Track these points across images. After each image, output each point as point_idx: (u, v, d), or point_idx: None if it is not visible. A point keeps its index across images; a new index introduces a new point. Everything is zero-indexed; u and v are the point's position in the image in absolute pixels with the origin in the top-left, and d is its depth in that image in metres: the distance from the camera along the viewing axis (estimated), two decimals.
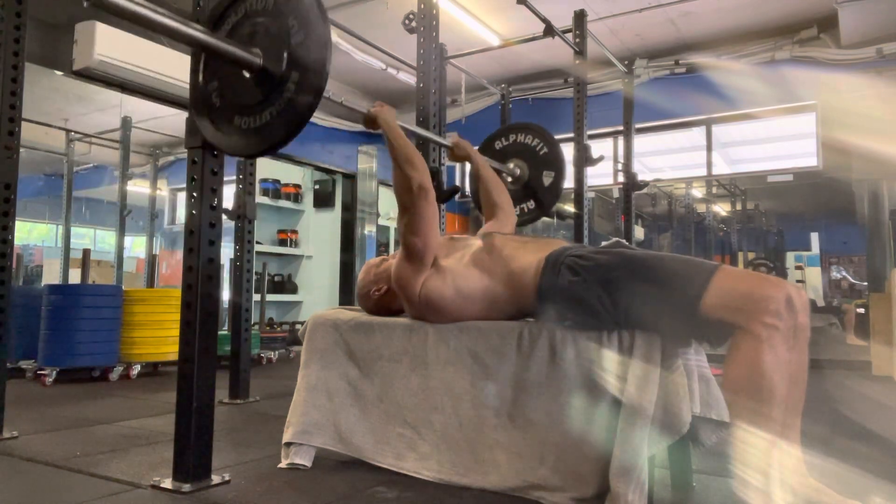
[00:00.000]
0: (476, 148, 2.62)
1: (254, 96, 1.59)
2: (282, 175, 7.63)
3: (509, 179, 3.18)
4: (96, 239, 11.54)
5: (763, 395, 1.33)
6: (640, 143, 5.21)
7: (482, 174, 2.47)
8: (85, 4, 1.29)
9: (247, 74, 1.60)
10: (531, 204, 3.14)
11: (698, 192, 10.40)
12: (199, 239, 1.83)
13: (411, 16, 2.86)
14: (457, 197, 2.85)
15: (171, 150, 7.85)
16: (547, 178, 2.91)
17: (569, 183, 3.87)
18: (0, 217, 2.39)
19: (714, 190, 10.48)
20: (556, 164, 2.89)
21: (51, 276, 7.22)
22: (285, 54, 1.54)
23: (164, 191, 8.55)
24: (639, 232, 10.75)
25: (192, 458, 1.76)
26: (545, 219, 10.10)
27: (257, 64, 1.56)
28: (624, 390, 1.55)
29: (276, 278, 7.50)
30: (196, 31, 1.54)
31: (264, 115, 1.58)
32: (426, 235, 1.82)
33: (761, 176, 8.08)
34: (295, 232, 7.79)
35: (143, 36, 4.58)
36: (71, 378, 4.14)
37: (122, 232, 6.43)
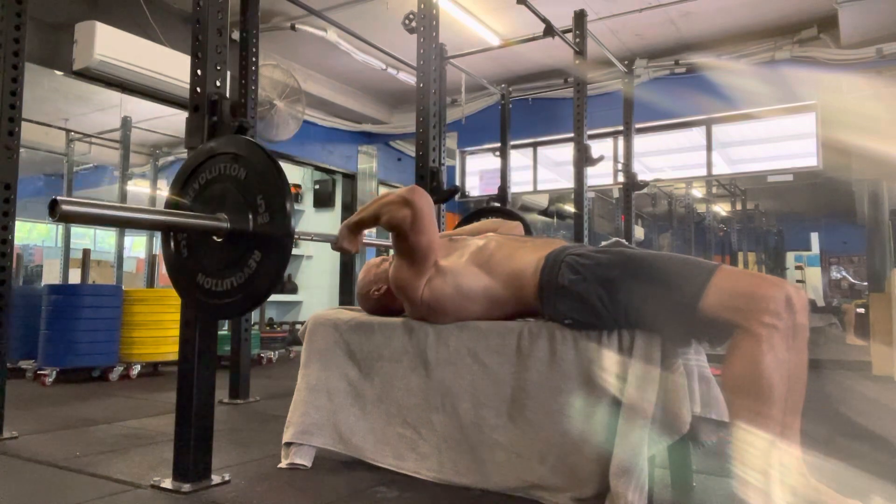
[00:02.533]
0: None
1: (222, 260, 1.64)
2: None
3: None
4: (96, 239, 11.53)
5: (763, 395, 1.33)
6: (640, 143, 5.22)
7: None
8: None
9: (216, 239, 1.64)
10: None
11: (698, 192, 10.40)
12: None
13: (411, 16, 2.86)
14: (457, 197, 2.86)
15: (171, 150, 7.84)
16: None
17: (569, 183, 3.88)
18: (0, 217, 2.39)
19: (714, 190, 10.48)
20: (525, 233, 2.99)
21: (51, 276, 7.21)
22: (251, 224, 1.59)
23: (163, 191, 8.54)
24: (639, 232, 10.75)
25: (192, 458, 1.76)
26: (545, 219, 10.12)
27: (225, 229, 1.61)
28: (624, 390, 1.55)
29: None
30: (162, 216, 1.62)
31: (230, 280, 1.62)
32: (429, 233, 1.79)
33: (761, 176, 8.07)
34: None
35: (143, 36, 4.58)
36: (71, 378, 4.14)
37: (122, 232, 6.43)
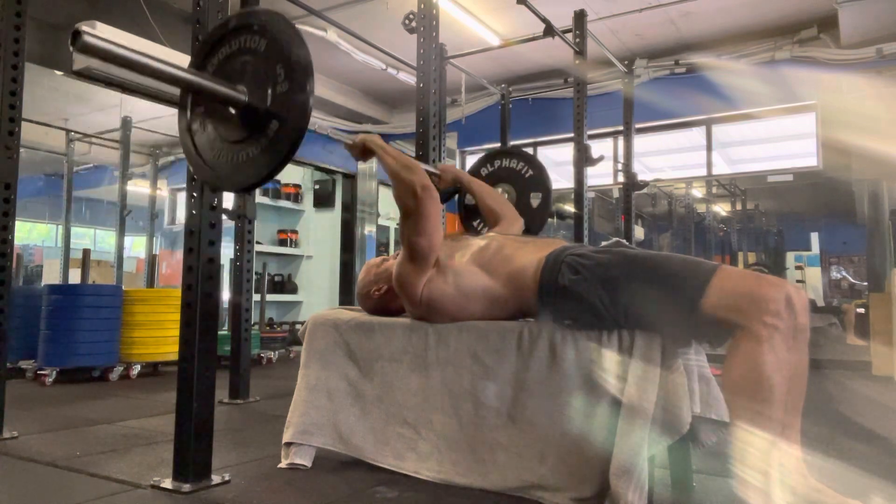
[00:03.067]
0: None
1: (238, 133, 1.60)
2: (282, 175, 7.62)
3: None
4: (96, 239, 11.54)
5: (763, 395, 1.33)
6: (640, 143, 5.22)
7: (474, 189, 2.45)
8: (73, 61, 1.30)
9: (232, 111, 1.61)
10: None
11: (698, 192, 10.40)
12: (199, 239, 1.83)
13: (411, 16, 2.86)
14: (457, 198, 2.85)
15: (171, 150, 7.86)
16: (535, 200, 2.92)
17: (569, 183, 3.87)
18: (0, 217, 2.39)
19: (714, 190, 10.48)
20: (542, 186, 2.90)
21: (51, 276, 7.22)
22: (269, 98, 1.54)
23: (164, 191, 8.55)
24: (639, 232, 10.74)
25: (192, 458, 1.76)
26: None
27: (242, 101, 1.57)
28: (624, 390, 1.55)
29: (276, 278, 7.50)
30: (183, 73, 1.54)
31: (244, 153, 1.58)
32: (431, 235, 1.80)
33: (761, 176, 8.08)
34: (295, 232, 7.79)
35: (143, 36, 4.58)
36: (71, 378, 4.14)
37: (122, 232, 6.43)
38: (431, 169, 2.44)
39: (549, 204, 2.90)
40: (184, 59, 1.93)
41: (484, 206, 2.43)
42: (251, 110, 1.56)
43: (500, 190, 2.92)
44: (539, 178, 2.92)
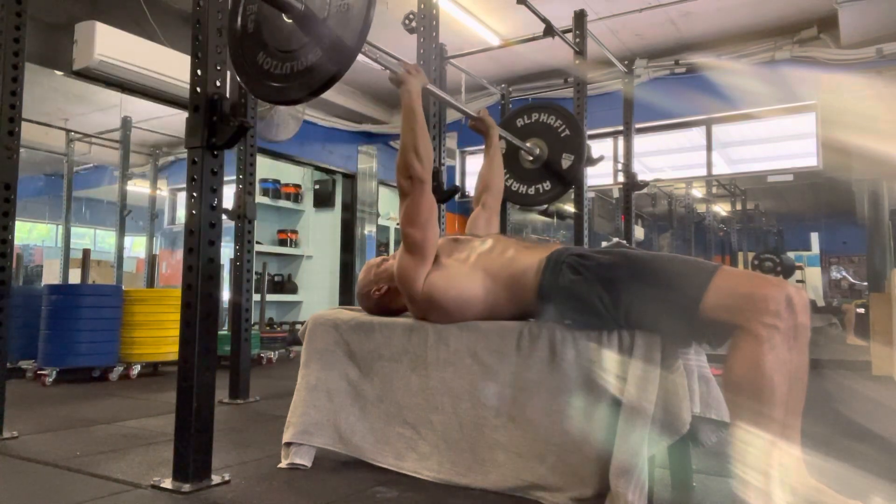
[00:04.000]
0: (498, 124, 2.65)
1: (290, 41, 1.57)
2: (282, 175, 7.63)
3: (529, 158, 3.13)
4: (96, 239, 11.53)
5: (763, 396, 1.33)
6: (640, 143, 5.21)
7: (490, 153, 2.52)
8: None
9: (287, 20, 1.58)
10: (547, 185, 3.11)
11: (698, 192, 10.39)
12: (199, 239, 1.83)
13: (411, 16, 2.86)
14: (457, 197, 2.84)
15: (171, 150, 7.85)
16: (566, 161, 2.88)
17: None
18: (0, 217, 2.39)
19: (714, 190, 10.47)
20: (577, 147, 2.85)
21: (51, 276, 7.21)
22: (328, 7, 1.52)
23: (164, 191, 8.55)
24: (639, 232, 10.74)
25: (192, 458, 1.76)
26: (545, 219, 10.11)
27: (299, 9, 1.54)
28: (624, 390, 1.55)
29: (276, 278, 7.50)
30: None
31: (290, 64, 1.56)
32: (424, 227, 1.82)
33: (761, 176, 8.07)
34: (295, 232, 7.79)
35: (143, 36, 4.58)
36: (71, 378, 4.14)
37: (122, 232, 6.43)
38: (469, 112, 2.45)
39: (579, 167, 2.86)
40: (184, 60, 1.93)
41: (486, 171, 2.49)
42: (306, 21, 1.54)
43: (530, 143, 2.88)
44: (575, 140, 2.87)
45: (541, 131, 2.93)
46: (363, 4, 1.50)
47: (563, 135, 2.89)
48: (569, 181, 2.84)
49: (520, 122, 2.96)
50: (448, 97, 2.44)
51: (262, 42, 1.63)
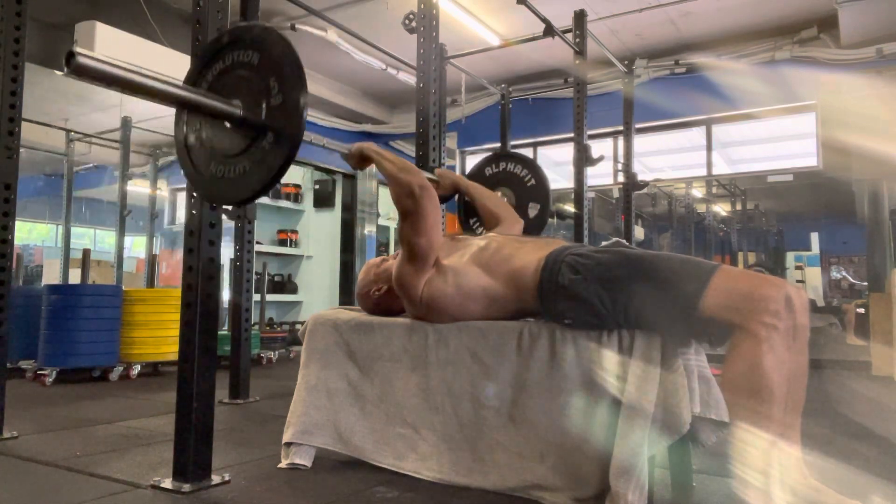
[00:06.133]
0: (465, 174, 2.61)
1: (233, 146, 1.61)
2: None
3: None
4: (96, 239, 11.54)
5: (763, 395, 1.33)
6: (640, 143, 5.22)
7: (472, 194, 2.43)
8: (64, 71, 1.29)
9: (228, 125, 1.61)
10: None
11: (698, 192, 10.40)
12: (199, 239, 1.83)
13: (411, 16, 2.86)
14: (456, 197, 2.84)
15: (171, 150, 7.83)
16: (532, 210, 2.91)
17: (569, 183, 3.87)
18: (0, 217, 2.39)
19: (714, 190, 10.48)
20: (542, 197, 2.89)
21: (51, 276, 7.21)
22: (264, 111, 1.55)
23: (164, 191, 8.54)
24: (639, 232, 10.75)
25: (192, 458, 1.76)
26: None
27: (237, 115, 1.58)
28: (624, 390, 1.55)
29: (276, 278, 7.50)
30: (177, 90, 1.56)
31: (240, 166, 1.59)
32: (430, 235, 1.80)
33: (761, 176, 8.08)
34: (295, 232, 7.79)
35: (143, 36, 4.58)
36: (71, 378, 4.14)
37: (122, 232, 6.43)
38: (429, 175, 2.44)
39: (546, 216, 2.90)
40: (183, 60, 1.93)
41: (483, 208, 2.41)
42: (246, 124, 1.57)
43: (499, 193, 2.91)
44: (540, 189, 2.91)
45: (507, 180, 2.97)
46: (294, 102, 1.52)
47: (528, 184, 2.93)
48: (537, 229, 2.88)
49: (488, 171, 3.00)
50: (404, 159, 2.44)
51: (212, 152, 1.67)
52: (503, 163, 3.01)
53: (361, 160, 1.99)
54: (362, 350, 2.01)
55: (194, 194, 1.85)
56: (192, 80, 1.70)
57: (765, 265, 10.25)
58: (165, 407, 3.17)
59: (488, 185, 2.97)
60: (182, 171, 1.73)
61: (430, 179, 2.36)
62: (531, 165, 2.98)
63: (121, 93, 1.48)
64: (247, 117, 1.57)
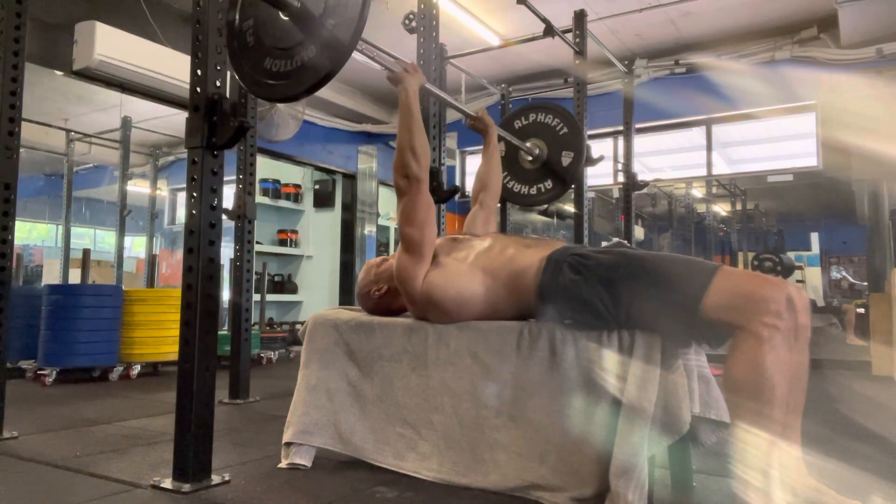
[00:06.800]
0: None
1: (291, 38, 1.57)
2: (282, 175, 7.63)
3: (528, 158, 3.14)
4: (96, 239, 11.53)
5: (763, 396, 1.33)
6: (640, 143, 5.21)
7: (488, 152, 2.53)
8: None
9: (284, 17, 1.59)
10: (549, 184, 3.12)
11: (698, 192, 10.39)
12: (199, 239, 1.83)
13: (411, 16, 2.86)
14: (457, 197, 2.84)
15: (171, 150, 7.85)
16: (566, 159, 2.88)
17: None
18: (0, 217, 2.39)
19: (714, 190, 10.47)
20: (576, 145, 2.85)
21: (51, 276, 7.21)
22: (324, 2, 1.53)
23: (164, 191, 8.55)
24: (639, 232, 10.74)
25: (192, 458, 1.76)
26: (545, 218, 10.11)
27: (295, 6, 1.54)
28: (624, 390, 1.55)
29: (276, 278, 7.50)
30: None
31: (301, 56, 1.56)
32: (421, 226, 1.83)
33: (761, 176, 8.07)
34: (295, 232, 7.79)
35: (143, 36, 4.58)
36: (71, 378, 4.14)
37: (122, 232, 6.43)
38: (467, 111, 2.45)
39: (580, 163, 2.86)
40: (184, 60, 1.93)
41: (484, 172, 2.50)
42: (303, 16, 1.54)
43: (529, 144, 2.89)
44: (573, 137, 2.88)
45: (539, 131, 2.94)
46: (358, 1, 1.50)
47: (561, 133, 2.90)
48: (570, 179, 2.85)
49: (517, 124, 2.96)
50: (447, 96, 2.44)
51: (259, 41, 1.64)
52: (533, 114, 2.98)
53: (396, 83, 1.94)
54: (362, 350, 2.01)
55: (194, 193, 1.84)
56: None
57: (773, 253, 10.12)
58: (165, 407, 3.17)
59: (519, 137, 2.96)
60: (239, 79, 1.68)
61: (470, 116, 2.43)
62: (563, 114, 2.94)
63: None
64: (303, 11, 1.55)
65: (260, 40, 1.65)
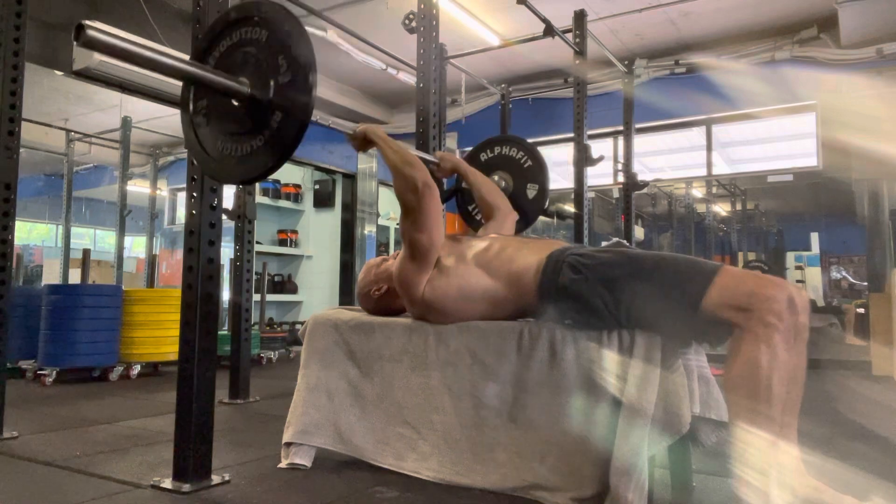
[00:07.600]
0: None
1: (240, 126, 1.59)
2: (282, 175, 7.63)
3: None
4: (96, 239, 11.54)
5: (762, 395, 1.33)
6: (640, 143, 5.21)
7: (471, 180, 2.46)
8: (75, 45, 1.28)
9: (235, 103, 1.60)
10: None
11: (698, 192, 10.40)
12: (199, 239, 1.83)
13: (411, 16, 2.86)
14: (456, 198, 2.84)
15: (171, 150, 7.86)
16: (531, 191, 2.90)
17: (569, 183, 3.87)
18: (0, 217, 2.39)
19: (714, 190, 10.47)
20: (540, 177, 2.88)
21: (51, 276, 7.21)
22: (272, 90, 1.53)
23: (164, 191, 8.55)
24: (639, 232, 10.74)
25: (192, 458, 1.76)
26: (545, 219, 10.12)
27: (245, 93, 1.56)
28: (624, 390, 1.55)
29: (276, 278, 7.50)
30: (184, 65, 1.53)
31: (248, 145, 1.57)
32: (432, 232, 1.80)
33: (761, 176, 8.08)
34: (295, 232, 7.79)
35: (144, 36, 4.57)
36: (71, 378, 4.14)
37: (122, 232, 6.43)
38: (430, 157, 2.44)
39: (545, 196, 2.87)
40: (184, 57, 1.93)
41: (480, 197, 2.44)
42: (254, 102, 1.55)
43: (496, 178, 2.90)
44: (537, 170, 2.89)
45: (503, 164, 2.96)
46: (303, 81, 1.50)
47: (525, 166, 2.92)
48: (533, 214, 2.87)
49: (483, 157, 2.99)
50: (405, 146, 2.43)
51: (219, 130, 1.64)
52: (497, 147, 3.00)
53: (365, 142, 1.96)
54: (362, 350, 2.01)
55: (194, 193, 1.85)
56: (199, 57, 1.67)
57: (764, 262, 10.20)
58: (165, 407, 3.17)
59: (484, 170, 2.97)
60: (187, 152, 1.69)
61: (429, 162, 2.37)
62: (526, 147, 2.96)
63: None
64: (254, 94, 1.54)
65: (215, 124, 1.65)
